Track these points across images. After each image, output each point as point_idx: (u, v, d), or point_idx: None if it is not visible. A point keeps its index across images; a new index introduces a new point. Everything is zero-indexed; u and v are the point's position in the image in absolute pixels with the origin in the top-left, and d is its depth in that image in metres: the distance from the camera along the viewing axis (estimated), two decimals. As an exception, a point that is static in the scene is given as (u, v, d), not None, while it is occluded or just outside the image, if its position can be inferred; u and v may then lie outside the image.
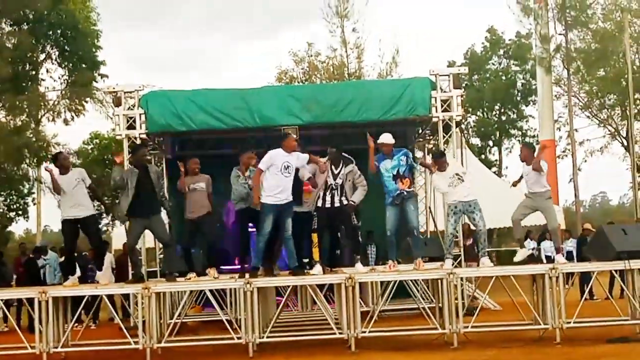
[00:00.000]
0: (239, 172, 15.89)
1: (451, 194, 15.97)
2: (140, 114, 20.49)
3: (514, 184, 16.69)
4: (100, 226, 16.30)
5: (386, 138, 15.81)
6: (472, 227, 16.76)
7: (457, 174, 15.92)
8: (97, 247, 16.42)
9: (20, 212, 48.23)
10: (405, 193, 15.65)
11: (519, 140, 58.89)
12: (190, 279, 15.75)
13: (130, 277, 16.91)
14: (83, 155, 47.75)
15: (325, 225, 15.98)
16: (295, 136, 15.47)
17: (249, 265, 15.78)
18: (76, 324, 16.36)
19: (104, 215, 45.06)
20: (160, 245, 19.26)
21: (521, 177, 16.30)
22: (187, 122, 20.61)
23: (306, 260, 16.34)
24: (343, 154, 15.96)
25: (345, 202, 15.76)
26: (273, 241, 15.73)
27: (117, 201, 15.83)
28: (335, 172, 15.69)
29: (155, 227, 15.72)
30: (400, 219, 15.89)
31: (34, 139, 40.90)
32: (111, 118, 41.81)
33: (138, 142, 20.07)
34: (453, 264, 16.32)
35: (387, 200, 15.75)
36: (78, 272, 16.19)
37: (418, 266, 15.72)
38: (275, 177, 15.00)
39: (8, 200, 47.44)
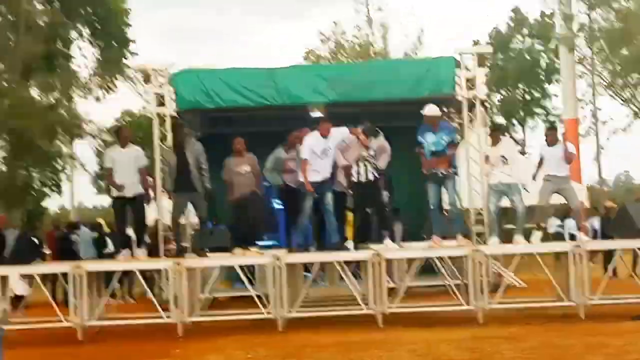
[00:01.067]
0: (281, 151, 16.30)
1: (491, 174, 16.21)
2: (170, 92, 20.75)
3: (534, 178, 16.72)
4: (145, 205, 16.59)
5: (430, 110, 15.99)
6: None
7: (503, 157, 16.10)
8: (141, 225, 16.72)
9: (54, 189, 48.61)
10: (440, 174, 15.87)
11: (542, 120, 58.91)
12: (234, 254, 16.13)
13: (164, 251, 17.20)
14: (114, 137, 48.06)
15: (360, 203, 16.27)
16: (327, 120, 15.71)
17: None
18: (110, 298, 16.67)
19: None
20: (194, 222, 19.61)
21: (540, 161, 16.40)
22: (215, 100, 20.83)
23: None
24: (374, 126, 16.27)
25: (376, 174, 16.03)
26: (320, 219, 16.13)
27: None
28: (368, 144, 15.96)
29: (197, 203, 16.18)
30: (441, 193, 16.19)
31: (66, 116, 41.28)
32: (142, 95, 42.24)
33: (176, 120, 20.41)
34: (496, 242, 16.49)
35: (424, 171, 16.01)
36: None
37: (437, 244, 15.98)
38: (314, 161, 15.36)
39: (42, 177, 47.79)
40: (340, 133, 15.78)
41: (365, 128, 16.07)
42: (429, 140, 15.89)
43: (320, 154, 15.49)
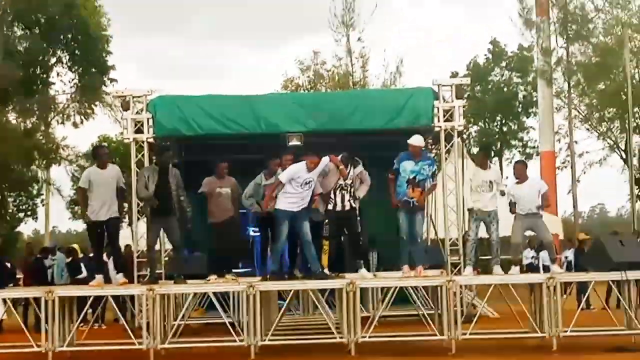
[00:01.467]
0: (262, 178, 16.26)
1: (474, 198, 16.21)
2: (148, 118, 20.72)
3: (512, 211, 16.71)
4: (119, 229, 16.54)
5: (416, 140, 15.99)
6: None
7: (490, 182, 16.12)
8: (115, 248, 16.64)
9: (29, 213, 48.48)
10: (412, 204, 15.86)
11: (519, 151, 59.21)
12: (209, 280, 16.05)
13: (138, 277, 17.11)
14: (91, 158, 48.03)
15: (336, 231, 16.27)
16: (317, 154, 15.69)
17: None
18: (82, 324, 16.58)
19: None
20: (165, 248, 19.55)
21: (513, 203, 16.37)
22: (193, 127, 20.82)
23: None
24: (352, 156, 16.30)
25: (353, 204, 16.02)
26: (295, 247, 16.13)
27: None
28: (346, 174, 15.96)
29: (171, 228, 16.10)
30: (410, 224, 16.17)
31: (43, 141, 41.30)
32: (119, 122, 42.27)
33: (161, 144, 20.45)
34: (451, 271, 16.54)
35: (397, 196, 15.96)
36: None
37: (419, 273, 15.98)
38: (294, 190, 15.37)
39: (17, 201, 47.67)
40: (321, 162, 15.76)
41: (344, 157, 16.08)
42: (408, 168, 15.88)
43: (301, 185, 15.44)
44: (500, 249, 16.74)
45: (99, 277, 16.29)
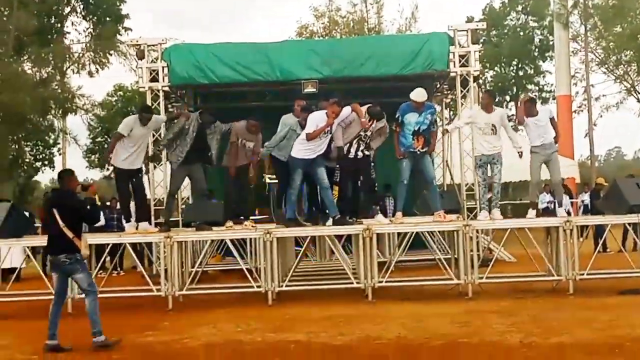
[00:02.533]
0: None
1: (477, 141, 16.12)
2: (163, 67, 20.81)
3: (520, 155, 16.58)
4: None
5: (418, 95, 15.83)
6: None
7: (494, 125, 15.97)
8: (145, 197, 16.70)
9: (46, 162, 48.64)
10: (418, 153, 15.80)
11: (535, 96, 58.89)
12: (227, 227, 16.09)
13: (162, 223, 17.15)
14: (107, 107, 48.14)
15: (348, 176, 16.23)
16: (339, 104, 15.54)
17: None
18: (100, 272, 16.68)
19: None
20: (184, 196, 19.65)
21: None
22: (209, 75, 20.89)
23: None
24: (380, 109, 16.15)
25: (366, 152, 15.96)
26: (314, 193, 16.15)
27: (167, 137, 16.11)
28: (370, 125, 15.85)
29: (197, 175, 16.16)
30: (415, 171, 16.12)
31: (59, 91, 41.33)
32: (134, 71, 42.28)
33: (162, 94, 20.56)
34: (467, 216, 16.53)
35: (400, 149, 15.90)
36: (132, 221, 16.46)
37: (442, 217, 15.95)
38: (314, 139, 15.28)
39: (34, 151, 47.84)
40: (342, 113, 15.62)
41: (372, 110, 15.87)
42: (412, 120, 15.77)
43: (321, 134, 15.37)
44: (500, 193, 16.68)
45: (129, 225, 16.33)
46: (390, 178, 21.21)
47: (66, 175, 12.01)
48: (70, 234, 11.29)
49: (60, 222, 11.32)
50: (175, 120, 16.40)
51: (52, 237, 11.56)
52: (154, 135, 19.98)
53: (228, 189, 16.81)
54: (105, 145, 49.33)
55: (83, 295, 15.01)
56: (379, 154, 16.90)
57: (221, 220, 16.32)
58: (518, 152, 16.01)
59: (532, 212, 16.39)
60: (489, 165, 16.08)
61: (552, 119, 16.26)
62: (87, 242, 11.94)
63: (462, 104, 21.15)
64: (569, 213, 24.76)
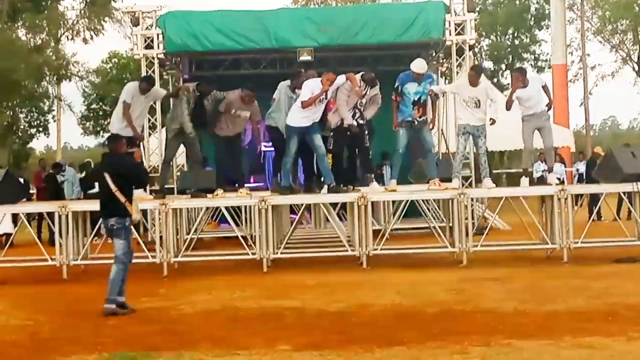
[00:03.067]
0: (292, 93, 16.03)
1: (461, 113, 16.08)
2: (157, 34, 20.73)
3: (508, 106, 16.48)
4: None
5: (418, 67, 15.76)
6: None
7: (478, 99, 15.94)
8: (142, 165, 16.79)
9: (41, 129, 48.59)
10: (416, 122, 15.77)
11: (531, 65, 58.75)
12: (217, 195, 16.08)
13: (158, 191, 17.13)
14: (102, 74, 48.03)
15: (343, 146, 16.23)
16: (333, 72, 15.49)
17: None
18: (95, 238, 16.70)
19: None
20: (179, 163, 19.65)
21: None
22: (203, 42, 20.82)
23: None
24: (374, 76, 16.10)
25: (360, 120, 15.92)
26: (310, 161, 16.12)
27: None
28: (364, 92, 15.82)
29: (192, 144, 16.18)
30: (413, 141, 16.12)
31: (53, 57, 41.24)
32: (129, 38, 42.14)
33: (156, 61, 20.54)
34: (462, 185, 16.51)
35: (398, 118, 15.87)
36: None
37: (438, 185, 15.93)
38: (309, 106, 15.23)
39: (29, 117, 47.78)
40: (336, 80, 15.58)
41: (365, 77, 15.84)
42: (412, 90, 15.73)
43: (316, 102, 15.32)
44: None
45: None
46: (388, 147, 21.23)
47: (116, 139, 12.14)
48: (122, 198, 11.36)
49: (112, 186, 11.38)
50: (177, 96, 16.35)
51: (104, 201, 11.64)
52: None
53: (220, 158, 16.77)
54: (100, 113, 49.31)
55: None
56: (377, 122, 16.88)
57: (214, 187, 16.33)
58: (490, 120, 16.02)
59: (525, 180, 16.41)
60: (472, 136, 16.06)
61: (544, 87, 16.23)
62: (138, 206, 12.07)
63: (457, 73, 21.08)
64: (562, 181, 24.84)
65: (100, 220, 12.36)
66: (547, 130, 16.12)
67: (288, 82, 16.17)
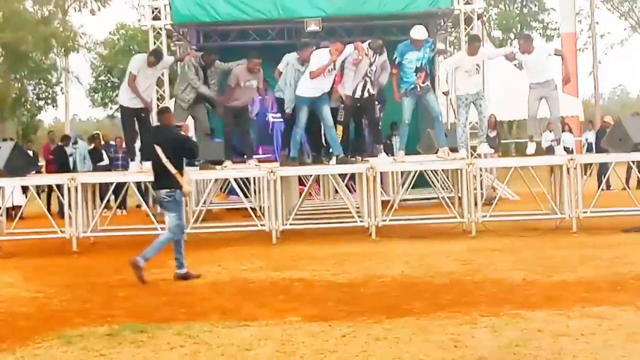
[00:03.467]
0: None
1: (462, 82, 16.00)
2: (165, 5, 20.67)
3: (509, 58, 16.40)
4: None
5: (418, 34, 15.71)
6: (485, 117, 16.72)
7: (478, 65, 15.94)
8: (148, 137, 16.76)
9: (49, 101, 48.60)
10: (419, 88, 15.72)
11: (539, 33, 58.58)
12: (226, 167, 16.08)
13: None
14: (109, 46, 47.97)
15: (352, 116, 16.21)
16: (341, 42, 15.45)
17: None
18: (104, 210, 16.73)
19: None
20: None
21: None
22: (211, 13, 20.76)
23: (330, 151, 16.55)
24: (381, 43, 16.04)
25: (372, 91, 15.88)
26: (317, 132, 16.09)
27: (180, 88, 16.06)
28: (373, 60, 15.77)
29: (201, 116, 16.24)
30: (420, 109, 16.11)
31: (61, 29, 41.20)
32: (137, 9, 42.13)
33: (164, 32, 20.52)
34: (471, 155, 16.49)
35: (401, 89, 15.82)
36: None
37: (447, 154, 15.89)
38: (317, 77, 15.18)
39: (37, 90, 47.79)
40: (345, 51, 15.52)
41: (373, 45, 15.80)
42: (413, 58, 15.66)
43: (325, 72, 15.27)
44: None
45: (134, 164, 16.38)
46: (397, 117, 21.20)
47: (166, 111, 12.26)
48: (172, 170, 11.45)
49: (163, 158, 11.46)
50: (182, 63, 16.33)
51: (157, 173, 11.75)
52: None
53: (228, 130, 16.75)
54: (108, 84, 49.31)
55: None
56: (387, 92, 16.84)
57: (223, 159, 16.33)
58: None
59: (531, 146, 16.33)
60: (473, 103, 16.02)
61: (557, 52, 16.21)
62: (190, 178, 12.23)
63: (465, 42, 21.00)
64: (570, 151, 24.79)
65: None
66: (554, 100, 16.02)
67: (295, 54, 16.11)
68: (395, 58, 15.63)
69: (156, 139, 11.75)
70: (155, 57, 16.14)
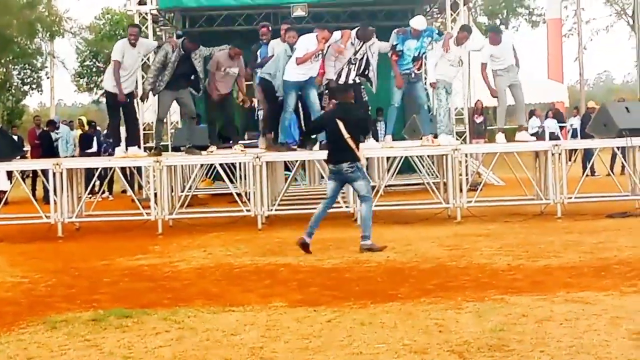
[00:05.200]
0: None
1: (443, 69, 15.97)
2: (151, -11, 20.65)
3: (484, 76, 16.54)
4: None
5: (418, 24, 15.70)
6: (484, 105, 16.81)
7: (461, 57, 16.03)
8: (136, 122, 16.63)
9: (34, 86, 48.45)
10: (413, 75, 15.75)
11: (525, 19, 58.73)
12: (212, 152, 16.04)
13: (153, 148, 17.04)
14: (95, 31, 47.84)
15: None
16: (327, 29, 15.44)
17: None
18: (90, 196, 16.71)
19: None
20: (173, 120, 19.59)
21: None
22: (197, -3, 20.76)
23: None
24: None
25: (357, 80, 15.82)
26: (305, 118, 16.04)
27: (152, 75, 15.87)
28: (357, 48, 15.73)
29: (185, 100, 16.06)
30: (407, 96, 16.12)
31: (46, 14, 41.05)
32: (122, -7, 41.99)
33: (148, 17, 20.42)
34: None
35: (391, 73, 15.84)
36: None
37: (431, 142, 15.92)
38: (303, 63, 15.17)
39: (22, 74, 47.63)
40: (332, 37, 15.49)
41: (359, 33, 15.69)
42: (412, 47, 15.67)
43: (312, 58, 15.25)
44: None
45: (119, 149, 16.33)
46: (382, 102, 21.21)
47: (346, 90, 13.02)
48: (352, 144, 11.91)
49: (345, 134, 11.88)
50: (159, 48, 16.22)
51: (336, 148, 12.18)
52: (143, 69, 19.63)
53: (211, 116, 16.72)
54: (94, 69, 49.16)
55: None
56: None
57: (207, 144, 16.31)
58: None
59: (501, 136, 16.31)
60: (444, 91, 16.05)
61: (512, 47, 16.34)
62: (364, 152, 12.49)
63: (452, 28, 21.01)
64: (556, 136, 24.86)
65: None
66: (518, 89, 16.08)
67: (279, 40, 16.10)
68: (396, 45, 15.63)
69: (339, 114, 12.18)
70: (133, 28, 16.09)
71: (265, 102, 16.07)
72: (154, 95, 16.18)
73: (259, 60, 16.52)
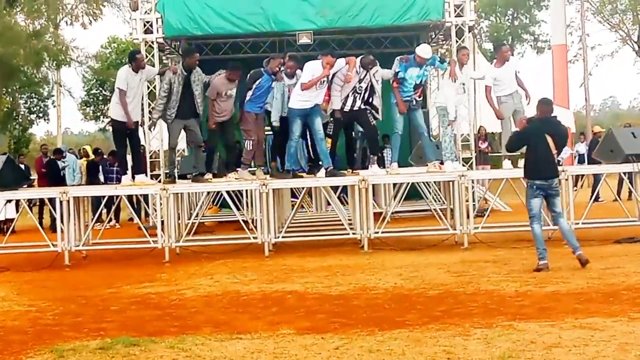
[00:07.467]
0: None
1: (448, 98, 15.96)
2: (157, 18, 20.71)
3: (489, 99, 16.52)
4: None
5: (424, 52, 15.74)
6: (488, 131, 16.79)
7: (464, 84, 16.05)
8: (138, 151, 16.57)
9: (40, 115, 48.57)
10: (414, 102, 15.80)
11: (530, 45, 58.73)
12: (209, 180, 16.03)
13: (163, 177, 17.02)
14: (101, 59, 47.98)
15: (340, 129, 16.21)
16: (332, 55, 15.49)
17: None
18: (97, 224, 16.72)
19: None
20: (179, 148, 19.58)
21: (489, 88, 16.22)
22: (202, 26, 20.80)
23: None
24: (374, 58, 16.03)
25: (362, 106, 15.84)
26: (314, 144, 16.03)
27: (159, 103, 15.79)
28: (362, 76, 15.75)
29: (193, 128, 16.01)
30: (409, 122, 16.17)
31: (52, 43, 41.19)
32: (128, 22, 42.13)
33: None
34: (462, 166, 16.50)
35: (392, 100, 15.89)
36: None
37: (438, 168, 15.93)
38: (309, 89, 15.21)
39: (28, 103, 47.73)
40: (336, 64, 15.54)
41: (363, 61, 15.73)
42: (414, 75, 15.72)
43: (318, 85, 15.28)
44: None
45: (125, 177, 16.31)
46: (388, 130, 21.26)
47: (548, 103, 12.66)
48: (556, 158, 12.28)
49: (553, 148, 12.10)
50: (163, 76, 16.14)
51: (545, 162, 12.18)
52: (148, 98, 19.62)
53: (211, 143, 16.69)
54: (100, 98, 49.26)
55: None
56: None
57: (218, 171, 16.32)
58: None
59: (507, 163, 16.32)
60: (447, 118, 16.03)
61: (517, 74, 16.29)
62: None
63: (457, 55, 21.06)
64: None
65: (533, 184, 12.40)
66: (522, 113, 16.03)
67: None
68: (399, 72, 15.66)
69: (546, 128, 12.21)
70: (134, 55, 16.02)
71: (253, 132, 16.00)
72: (165, 123, 16.13)
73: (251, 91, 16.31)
